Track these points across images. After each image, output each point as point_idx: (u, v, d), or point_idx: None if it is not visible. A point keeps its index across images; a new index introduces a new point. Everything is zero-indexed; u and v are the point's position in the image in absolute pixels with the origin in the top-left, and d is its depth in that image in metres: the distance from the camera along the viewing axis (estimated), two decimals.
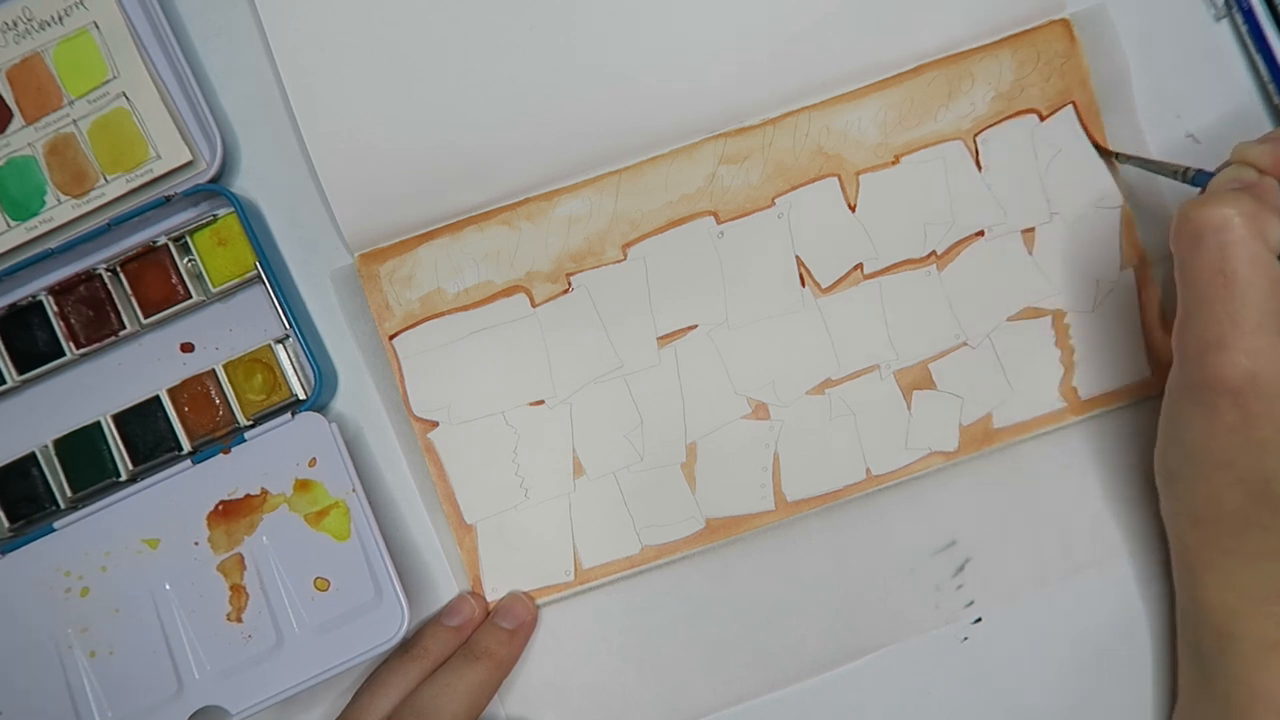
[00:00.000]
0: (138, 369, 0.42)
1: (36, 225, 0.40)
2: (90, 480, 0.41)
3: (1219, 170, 0.34)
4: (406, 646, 0.40)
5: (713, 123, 0.41)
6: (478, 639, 0.40)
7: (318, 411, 0.40)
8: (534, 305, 0.41)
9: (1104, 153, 0.41)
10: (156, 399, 0.41)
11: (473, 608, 0.40)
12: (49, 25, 0.40)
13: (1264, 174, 0.32)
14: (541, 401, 0.41)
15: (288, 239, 0.43)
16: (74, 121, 0.41)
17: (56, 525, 0.40)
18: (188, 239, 0.41)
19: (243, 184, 0.43)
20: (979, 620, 0.42)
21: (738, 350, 0.41)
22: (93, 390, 0.42)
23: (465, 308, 0.41)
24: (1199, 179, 0.35)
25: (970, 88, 0.41)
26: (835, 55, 0.41)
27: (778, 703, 0.42)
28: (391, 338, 0.41)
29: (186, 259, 0.41)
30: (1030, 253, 0.41)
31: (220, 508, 0.39)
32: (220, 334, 0.42)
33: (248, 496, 0.39)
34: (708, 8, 0.41)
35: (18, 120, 0.41)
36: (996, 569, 0.41)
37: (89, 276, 0.41)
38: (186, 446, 0.41)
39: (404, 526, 0.42)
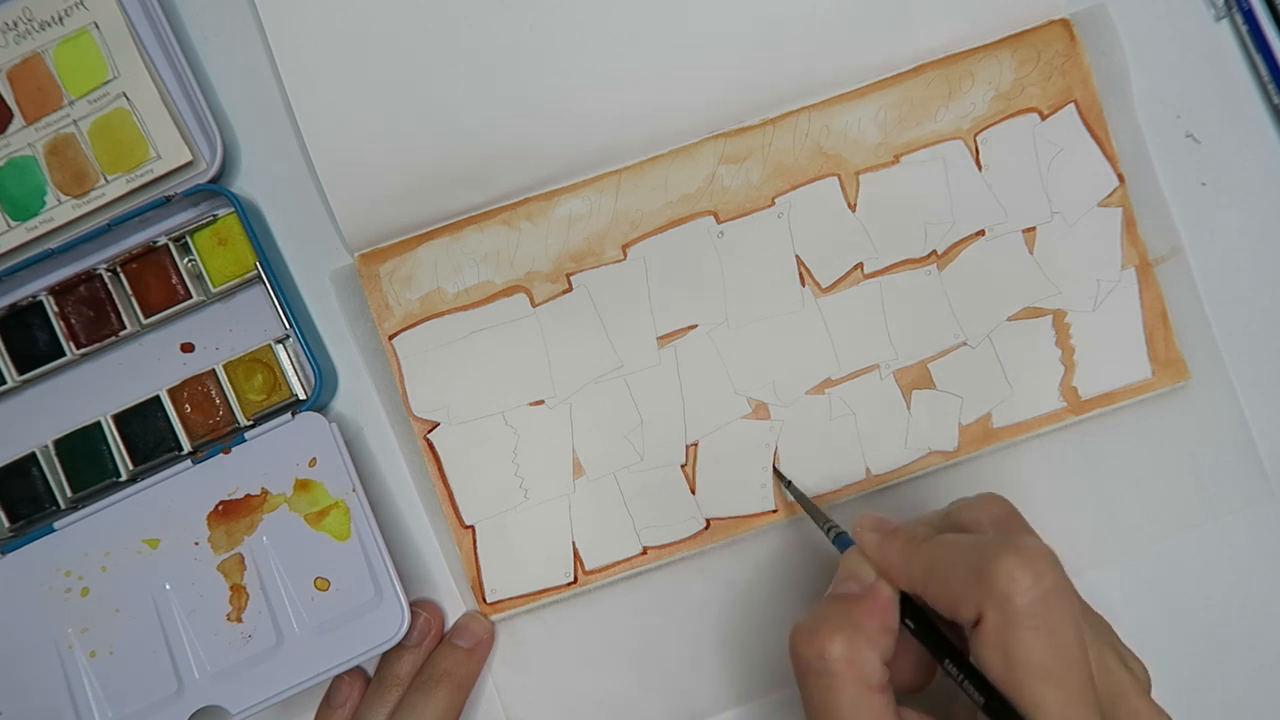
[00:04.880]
0: (138, 369, 0.42)
1: (37, 225, 0.40)
2: (90, 480, 0.41)
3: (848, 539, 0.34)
4: (379, 678, 0.40)
5: (713, 123, 0.41)
6: (436, 662, 0.40)
7: (318, 411, 0.40)
8: (534, 305, 0.41)
9: (777, 474, 0.41)
10: (156, 399, 0.41)
11: (429, 624, 0.41)
12: (49, 25, 0.40)
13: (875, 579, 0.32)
14: (541, 401, 0.41)
15: (288, 239, 0.43)
16: (74, 122, 0.41)
17: (56, 525, 0.40)
18: (188, 239, 0.41)
19: (243, 184, 0.43)
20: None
21: (738, 350, 0.41)
22: (93, 390, 0.42)
23: (465, 308, 0.41)
24: (839, 541, 0.35)
25: (970, 87, 0.41)
26: (835, 55, 0.41)
27: (778, 703, 0.42)
28: (391, 338, 0.41)
29: (186, 259, 0.41)
30: (1031, 252, 0.41)
31: (220, 508, 0.39)
32: (220, 334, 0.42)
33: (248, 496, 0.39)
34: (708, 8, 0.41)
35: (18, 120, 0.41)
36: None
37: (89, 276, 0.41)
38: (186, 446, 0.41)
39: (404, 526, 0.42)
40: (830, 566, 0.42)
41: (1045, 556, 0.28)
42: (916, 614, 0.31)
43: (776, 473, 0.41)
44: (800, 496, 0.39)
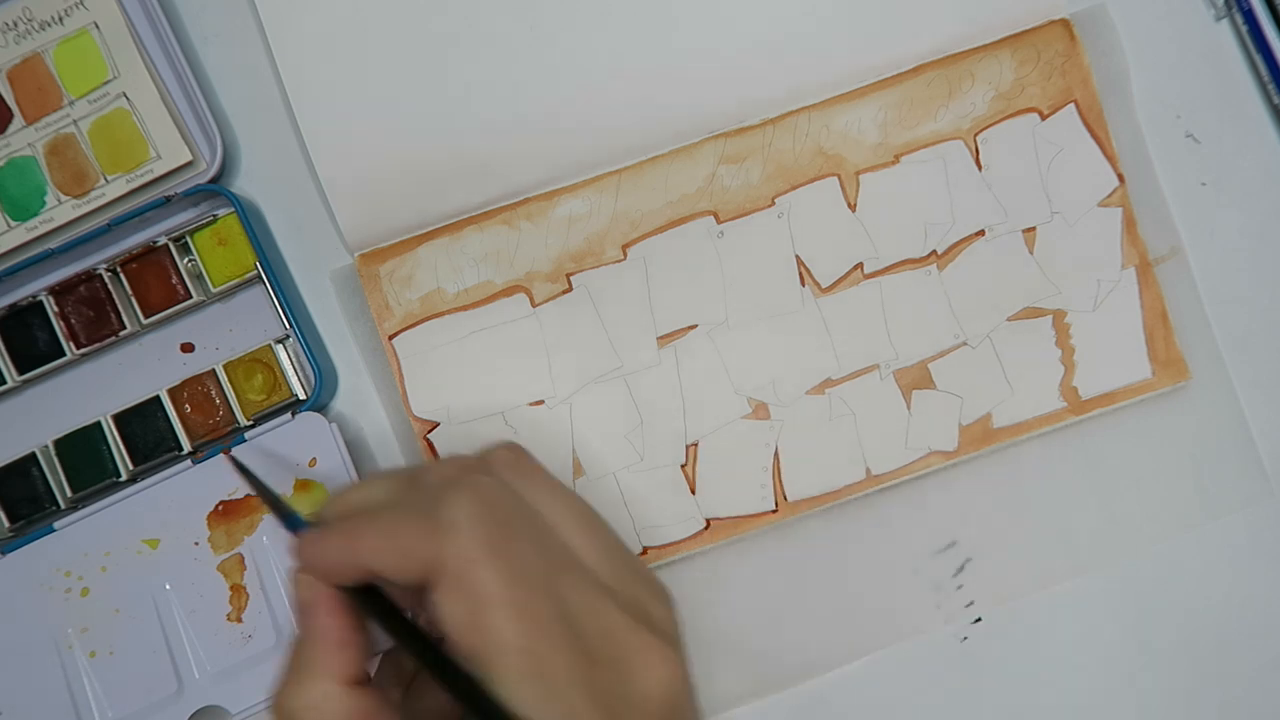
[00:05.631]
0: (138, 369, 0.42)
1: (37, 225, 0.40)
2: (90, 480, 0.41)
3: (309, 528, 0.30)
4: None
5: (713, 123, 0.41)
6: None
7: (318, 411, 0.40)
8: (534, 305, 0.41)
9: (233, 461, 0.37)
10: (156, 399, 0.41)
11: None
12: (49, 25, 0.40)
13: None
14: (541, 401, 0.41)
15: (288, 239, 0.43)
16: (74, 122, 0.41)
17: (56, 525, 0.40)
18: (188, 239, 0.41)
19: (243, 184, 0.43)
20: (979, 620, 0.41)
21: (738, 350, 0.41)
22: (93, 390, 0.42)
23: (465, 308, 0.41)
24: (291, 522, 0.31)
25: (970, 87, 0.41)
26: (835, 55, 0.41)
27: (778, 703, 0.42)
28: (391, 338, 0.41)
29: (186, 259, 0.41)
30: (1031, 252, 0.41)
31: (220, 508, 0.39)
32: (220, 334, 0.42)
33: (248, 496, 0.39)
34: (708, 8, 0.41)
35: (18, 120, 0.41)
36: (996, 569, 0.41)
37: (89, 276, 0.41)
38: (186, 446, 0.41)
39: None
40: (831, 566, 0.42)
41: (492, 486, 0.27)
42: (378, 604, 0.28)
43: (231, 459, 0.37)
44: (255, 481, 0.35)
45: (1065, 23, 0.41)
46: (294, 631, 0.29)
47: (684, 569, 0.41)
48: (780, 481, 0.41)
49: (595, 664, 0.26)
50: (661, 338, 0.41)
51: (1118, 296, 0.41)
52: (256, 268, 0.40)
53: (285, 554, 0.39)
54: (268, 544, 0.39)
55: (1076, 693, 0.41)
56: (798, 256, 0.41)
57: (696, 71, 0.41)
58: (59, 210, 0.40)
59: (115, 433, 0.40)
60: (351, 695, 0.27)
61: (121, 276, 0.41)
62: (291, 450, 0.39)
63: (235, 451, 0.38)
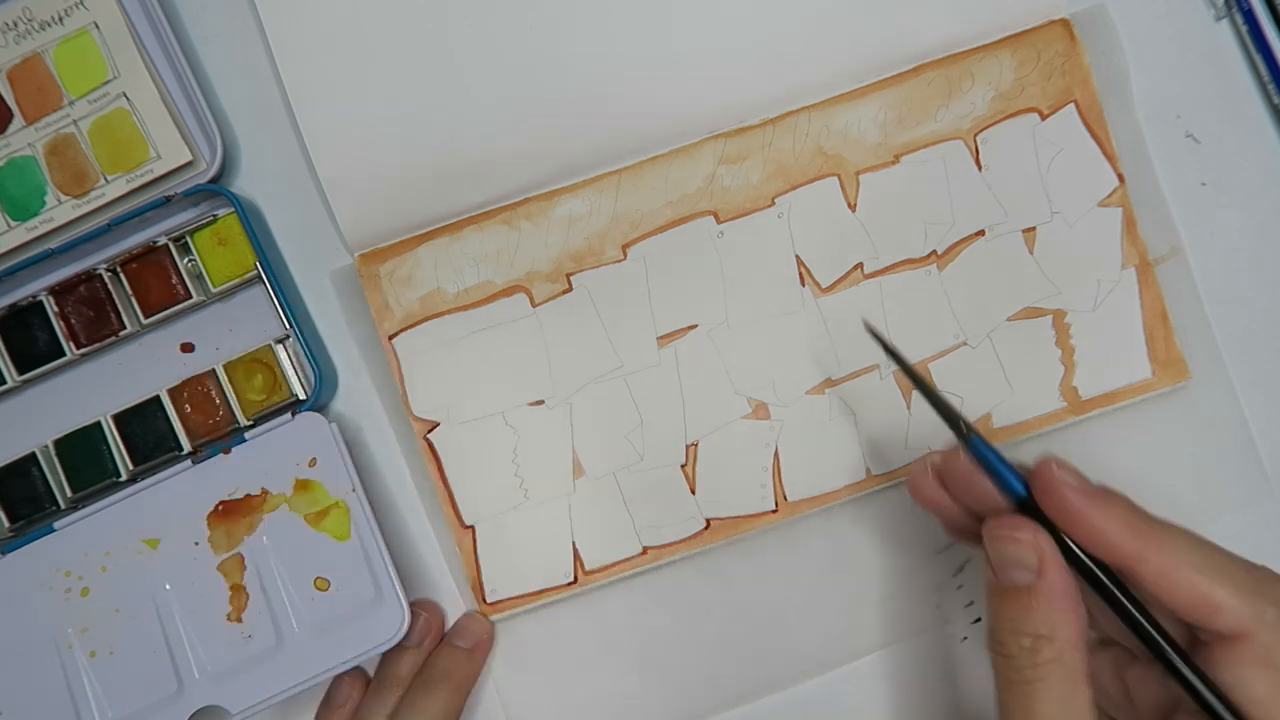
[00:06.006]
0: (138, 369, 0.42)
1: (37, 225, 0.40)
2: (90, 480, 0.41)
3: (998, 457, 0.30)
4: (380, 678, 0.40)
5: (713, 123, 0.41)
6: (436, 661, 0.40)
7: (318, 411, 0.40)
8: (534, 305, 0.41)
9: (874, 335, 0.35)
10: (156, 399, 0.41)
11: (429, 624, 0.41)
12: (49, 25, 0.40)
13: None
14: (541, 401, 0.41)
15: (288, 239, 0.43)
16: (74, 122, 0.41)
17: (56, 525, 0.40)
18: (188, 239, 0.41)
19: (243, 184, 0.43)
20: (979, 620, 0.41)
21: (738, 350, 0.41)
22: (93, 390, 0.42)
23: (465, 308, 0.41)
24: (976, 444, 0.30)
25: (970, 87, 0.41)
26: (835, 55, 0.41)
27: (778, 704, 0.42)
28: (391, 338, 0.41)
29: (186, 259, 0.41)
30: (1031, 252, 0.41)
31: (220, 508, 0.39)
32: (220, 334, 0.42)
33: (248, 496, 0.39)
34: (708, 8, 0.41)
35: (18, 120, 0.41)
36: None
37: (89, 276, 0.41)
38: (187, 446, 0.41)
39: (404, 526, 0.42)
40: (831, 566, 0.42)
41: None
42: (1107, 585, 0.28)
43: (873, 333, 0.35)
44: (916, 379, 0.33)
45: (1065, 23, 0.41)
46: (1012, 572, 0.28)
47: (684, 569, 0.41)
48: (780, 481, 0.41)
49: None
50: (661, 338, 0.41)
51: (1118, 296, 0.41)
52: (256, 268, 0.40)
53: (285, 554, 0.39)
54: (268, 544, 0.39)
55: None
56: (798, 256, 0.41)
57: (696, 71, 0.41)
58: (59, 210, 0.40)
59: (115, 433, 0.40)
60: (1085, 649, 0.27)
61: (121, 276, 0.41)
62: (291, 450, 0.39)
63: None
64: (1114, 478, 0.41)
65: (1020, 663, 0.27)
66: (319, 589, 0.39)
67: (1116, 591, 0.28)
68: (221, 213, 0.41)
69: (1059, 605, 0.27)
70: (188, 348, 0.42)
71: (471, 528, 0.41)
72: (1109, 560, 0.28)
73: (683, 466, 0.41)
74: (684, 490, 0.41)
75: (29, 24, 0.40)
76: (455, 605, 0.42)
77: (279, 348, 0.41)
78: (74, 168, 0.40)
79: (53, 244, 0.40)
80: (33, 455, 0.41)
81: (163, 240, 0.40)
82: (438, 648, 0.41)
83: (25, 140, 0.41)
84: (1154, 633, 0.27)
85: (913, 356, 0.41)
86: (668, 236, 0.41)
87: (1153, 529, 0.27)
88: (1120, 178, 0.41)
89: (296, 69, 0.41)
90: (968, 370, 0.41)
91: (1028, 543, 0.28)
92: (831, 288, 0.41)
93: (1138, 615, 0.27)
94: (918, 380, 0.32)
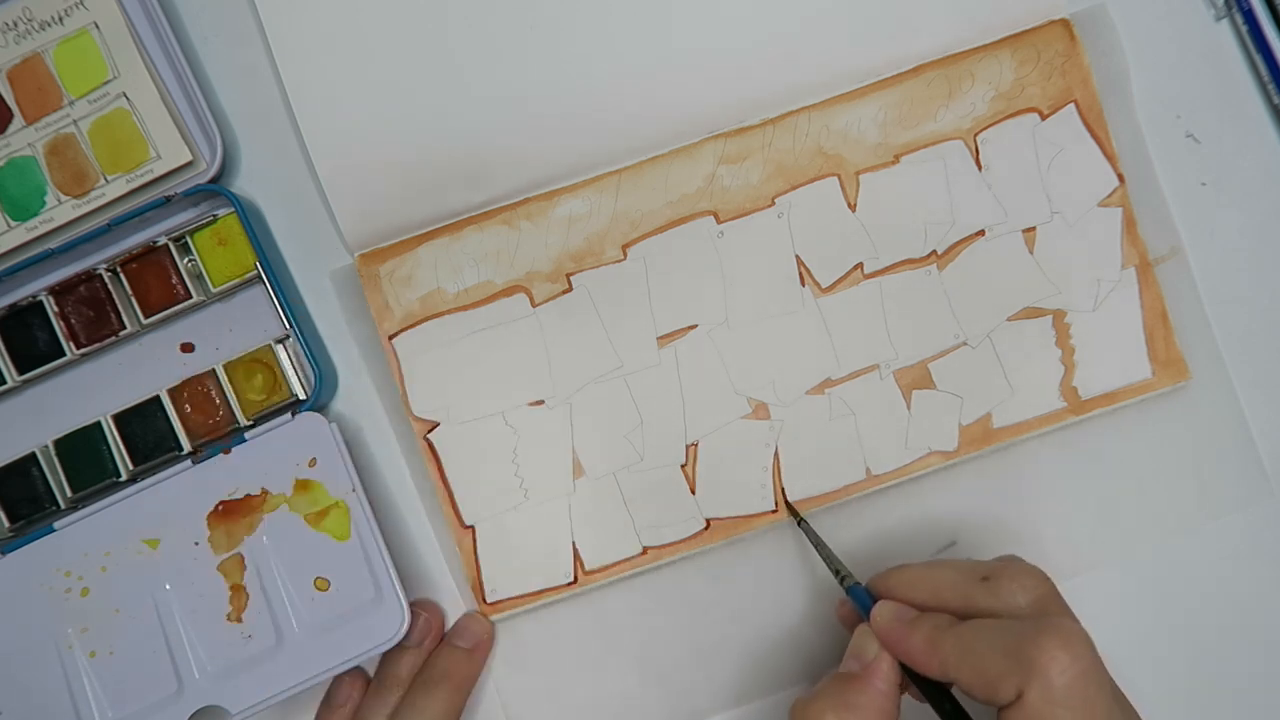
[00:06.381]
0: (138, 369, 0.42)
1: (37, 225, 0.40)
2: (90, 480, 0.41)
3: (866, 593, 0.35)
4: (380, 678, 0.40)
5: (713, 123, 0.41)
6: (436, 662, 0.40)
7: (318, 411, 0.40)
8: (534, 305, 0.41)
9: (790, 509, 0.41)
10: (156, 399, 0.41)
11: (429, 624, 0.41)
12: (49, 25, 0.40)
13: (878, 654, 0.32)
14: (541, 401, 0.41)
15: (288, 239, 0.43)
16: (74, 122, 0.41)
17: (56, 525, 0.40)
18: (188, 239, 0.41)
19: (243, 184, 0.43)
20: None
21: (738, 350, 0.41)
22: (93, 390, 0.42)
23: (465, 308, 0.41)
24: (853, 591, 0.35)
25: (970, 87, 0.41)
26: (835, 55, 0.41)
27: (779, 704, 0.42)
28: (391, 338, 0.41)
29: (186, 259, 0.41)
30: (1031, 252, 0.41)
31: (220, 508, 0.39)
32: (220, 334, 0.42)
33: (248, 496, 0.39)
34: (708, 8, 0.41)
35: (18, 120, 0.41)
36: None
37: (89, 276, 0.41)
38: (186, 446, 0.41)
39: (404, 526, 0.42)
40: (829, 571, 0.42)
41: (1083, 638, 0.29)
42: (933, 693, 0.32)
43: (789, 507, 0.41)
44: (813, 536, 0.39)
45: (1065, 23, 0.41)
46: (847, 662, 0.33)
47: (684, 569, 0.42)
48: (780, 481, 0.41)
49: None
50: (661, 338, 0.41)
51: (1118, 296, 0.41)
52: (256, 268, 0.40)
53: (285, 554, 0.39)
54: (268, 544, 0.39)
55: None
56: (798, 256, 0.41)
57: (696, 71, 0.41)
58: (59, 210, 0.40)
59: (115, 433, 0.40)
60: None
61: (121, 276, 0.41)
62: (291, 450, 0.39)
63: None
64: (1114, 478, 0.42)
65: None
66: (319, 589, 0.39)
67: (922, 689, 0.32)
68: (221, 213, 0.41)
69: (874, 692, 0.32)
70: (188, 348, 0.42)
71: (471, 528, 0.41)
72: (923, 671, 0.31)
73: (683, 466, 0.41)
74: (684, 490, 0.41)
75: (29, 24, 0.40)
76: (455, 605, 0.42)
77: (279, 348, 0.41)
78: (74, 168, 0.40)
79: (53, 244, 0.40)
80: (33, 455, 0.41)
81: (163, 240, 0.40)
82: (438, 648, 0.41)
83: (25, 140, 0.41)
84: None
85: (913, 356, 0.41)
86: (668, 236, 0.41)
87: (945, 638, 0.31)
88: (1120, 178, 0.41)
89: (296, 69, 0.41)
90: (968, 370, 0.41)
91: (873, 641, 0.33)
92: (831, 288, 0.41)
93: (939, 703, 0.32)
94: (814, 537, 0.39)
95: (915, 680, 0.32)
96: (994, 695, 0.29)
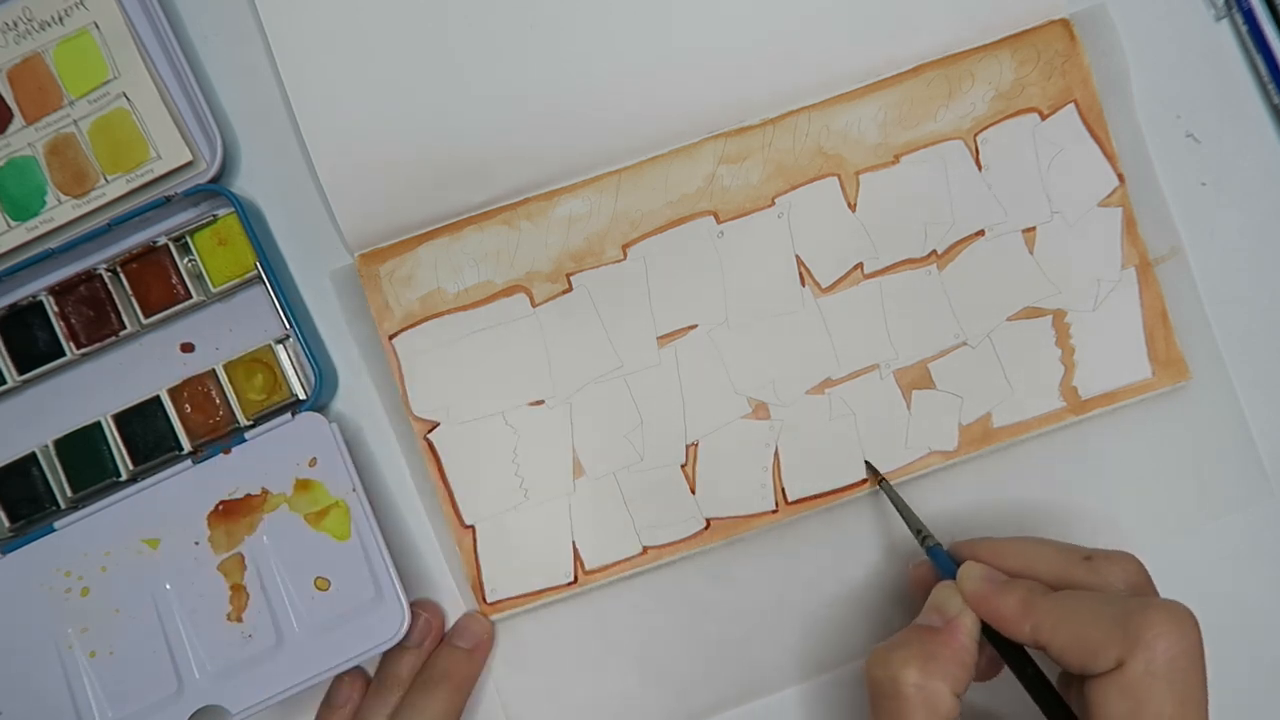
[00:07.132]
0: (138, 369, 0.42)
1: (37, 225, 0.40)
2: (90, 480, 0.41)
3: (948, 556, 0.35)
4: (380, 678, 0.40)
5: (713, 123, 0.41)
6: (436, 662, 0.40)
7: (318, 411, 0.40)
8: (534, 305, 0.41)
9: (870, 469, 0.41)
10: (157, 399, 0.41)
11: (429, 624, 0.41)
12: (49, 25, 0.40)
13: (961, 610, 0.33)
14: (541, 401, 0.41)
15: (288, 239, 0.43)
16: (74, 121, 0.41)
17: (56, 525, 0.40)
18: (188, 239, 0.41)
19: (243, 184, 0.43)
20: None
21: (738, 350, 0.41)
22: (93, 390, 0.42)
23: (465, 308, 0.41)
24: (933, 552, 0.36)
25: (970, 87, 0.41)
26: (835, 55, 0.41)
27: (779, 704, 0.42)
28: (391, 338, 0.41)
29: (186, 259, 0.41)
30: (1031, 252, 0.41)
31: (220, 507, 0.39)
32: (220, 334, 0.42)
33: (248, 496, 0.39)
34: (708, 8, 0.41)
35: (18, 120, 0.41)
36: None
37: (89, 276, 0.41)
38: (187, 446, 0.41)
39: (404, 526, 0.42)
40: (831, 566, 0.42)
41: (1192, 621, 0.29)
42: (1015, 656, 0.32)
43: (869, 467, 0.41)
44: (894, 497, 0.39)
45: (1065, 23, 0.41)
46: (928, 615, 0.34)
47: (684, 569, 0.42)
48: (780, 481, 0.41)
49: None
50: (661, 338, 0.41)
51: (1118, 296, 0.41)
52: (256, 268, 0.40)
53: (285, 554, 0.39)
54: (268, 544, 0.39)
55: None
56: (798, 256, 0.41)
57: (696, 71, 0.41)
58: (59, 210, 0.40)
59: (115, 433, 0.40)
60: (953, 706, 0.31)
61: (121, 276, 0.41)
62: (291, 450, 0.39)
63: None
64: (1114, 478, 0.42)
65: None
66: (319, 589, 0.39)
67: (1002, 651, 0.33)
68: (221, 213, 0.41)
69: (957, 647, 0.32)
70: (188, 348, 0.42)
71: (471, 528, 0.41)
72: (1011, 633, 0.32)
73: (683, 466, 0.41)
74: (684, 490, 0.41)
75: (29, 24, 0.40)
76: (455, 605, 0.42)
77: (279, 348, 0.41)
78: (74, 168, 0.40)
79: (53, 244, 0.40)
80: (33, 455, 0.41)
81: (163, 240, 0.40)
82: (438, 648, 0.41)
83: (25, 140, 0.41)
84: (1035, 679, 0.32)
85: (913, 356, 0.41)
86: (668, 236, 0.41)
87: (1042, 602, 0.31)
88: (1120, 178, 0.41)
89: (296, 69, 0.41)
90: (968, 370, 0.41)
91: (956, 597, 0.33)
92: (831, 288, 0.41)
93: (1030, 678, 0.32)
94: (895, 498, 0.39)
95: (996, 643, 0.32)
96: (1090, 663, 0.29)
